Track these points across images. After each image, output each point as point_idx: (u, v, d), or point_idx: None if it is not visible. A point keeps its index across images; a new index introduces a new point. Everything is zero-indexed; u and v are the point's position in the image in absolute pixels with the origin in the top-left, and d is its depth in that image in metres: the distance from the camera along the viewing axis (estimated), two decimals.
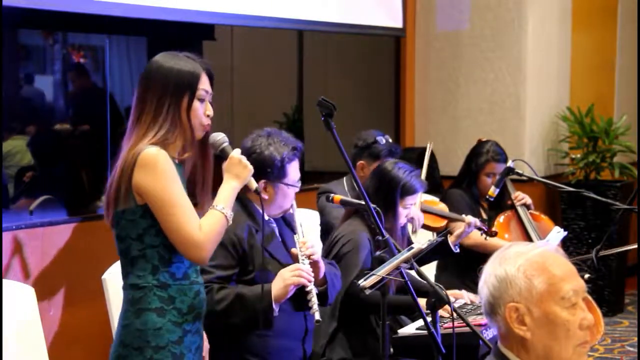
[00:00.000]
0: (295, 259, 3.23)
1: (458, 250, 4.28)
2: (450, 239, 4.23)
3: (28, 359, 3.28)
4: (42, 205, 4.58)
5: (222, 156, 2.89)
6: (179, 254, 2.70)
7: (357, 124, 4.88)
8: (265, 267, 3.27)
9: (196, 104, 2.72)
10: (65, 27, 4.89)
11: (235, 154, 2.86)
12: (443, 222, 4.66)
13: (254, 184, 2.92)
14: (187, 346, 2.73)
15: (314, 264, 3.24)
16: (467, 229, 4.33)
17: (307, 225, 4.68)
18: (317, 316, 3.13)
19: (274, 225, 3.41)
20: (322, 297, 3.33)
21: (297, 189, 3.40)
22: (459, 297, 4.00)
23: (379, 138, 4.64)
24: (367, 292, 2.82)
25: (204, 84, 2.76)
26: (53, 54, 5.02)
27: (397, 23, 6.67)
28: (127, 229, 2.69)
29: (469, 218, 4.35)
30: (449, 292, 4.01)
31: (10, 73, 4.54)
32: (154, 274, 2.68)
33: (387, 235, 2.96)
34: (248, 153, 3.21)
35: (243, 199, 3.30)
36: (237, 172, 2.83)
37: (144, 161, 2.63)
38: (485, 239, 4.66)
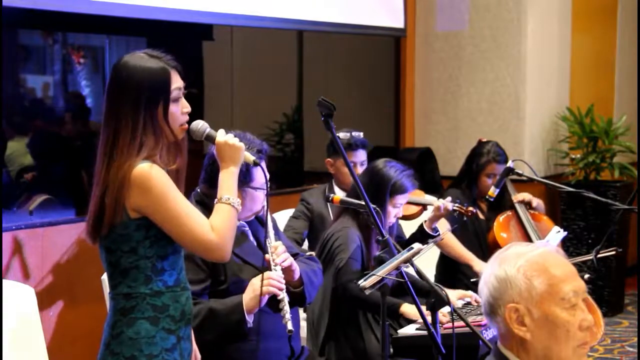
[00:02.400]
0: (268, 264, 3.18)
1: (439, 234, 4.22)
2: (425, 225, 4.20)
3: (28, 359, 3.28)
4: (42, 205, 4.58)
5: (209, 142, 2.83)
6: (172, 263, 2.66)
7: (357, 124, 4.88)
8: (239, 274, 3.22)
9: (172, 107, 2.63)
10: (65, 27, 4.90)
11: (220, 137, 2.79)
12: (417, 209, 4.65)
13: (251, 158, 2.87)
14: (180, 353, 2.69)
15: (287, 268, 3.20)
16: (439, 213, 4.28)
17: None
18: (290, 326, 3.08)
19: (246, 228, 3.36)
20: (300, 298, 3.31)
21: (265, 191, 3.26)
22: (467, 296, 4.00)
23: (341, 135, 4.65)
24: (367, 292, 2.82)
25: (175, 82, 2.65)
26: (53, 54, 5.03)
27: (398, 23, 6.68)
28: (118, 242, 2.62)
29: (439, 202, 4.29)
30: (459, 292, 4.04)
31: (10, 73, 4.54)
32: (147, 284, 2.63)
33: (387, 236, 2.96)
34: (212, 160, 3.15)
35: (210, 206, 3.05)
36: (230, 155, 2.76)
37: (138, 180, 2.55)
38: (465, 219, 4.65)
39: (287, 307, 3.11)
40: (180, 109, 2.66)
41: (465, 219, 4.60)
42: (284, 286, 3.13)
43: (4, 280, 3.25)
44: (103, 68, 5.12)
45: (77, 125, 5.11)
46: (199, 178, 3.33)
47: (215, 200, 2.73)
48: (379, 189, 3.82)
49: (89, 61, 5.19)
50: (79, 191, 4.92)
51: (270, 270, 3.14)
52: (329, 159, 4.74)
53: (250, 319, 3.11)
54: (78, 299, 4.41)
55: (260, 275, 3.12)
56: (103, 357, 2.67)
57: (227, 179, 2.76)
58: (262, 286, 3.06)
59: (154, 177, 2.56)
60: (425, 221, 4.23)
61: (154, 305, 2.63)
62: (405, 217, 4.67)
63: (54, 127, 4.96)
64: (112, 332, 2.65)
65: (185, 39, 5.45)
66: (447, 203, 4.25)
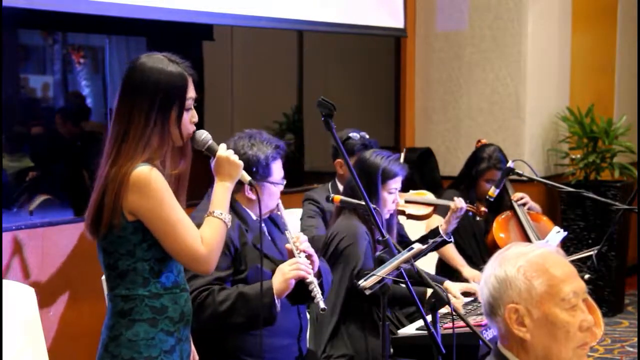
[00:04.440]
0: (290, 254, 3.23)
1: (452, 239, 4.25)
2: (442, 228, 4.22)
3: (28, 359, 3.28)
4: (42, 205, 4.58)
5: (208, 154, 2.85)
6: (169, 265, 2.67)
7: (357, 124, 4.88)
8: (258, 264, 3.25)
9: (184, 115, 2.65)
10: (65, 27, 4.89)
11: (222, 151, 2.79)
12: (429, 210, 4.67)
13: (247, 177, 2.88)
14: (180, 355, 2.70)
15: (309, 258, 3.24)
16: (457, 213, 4.31)
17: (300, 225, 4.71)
18: (322, 304, 3.13)
19: (262, 225, 3.39)
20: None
21: (282, 187, 3.38)
22: (471, 289, 4.00)
23: (352, 134, 4.66)
24: (368, 292, 2.82)
25: (191, 91, 2.67)
26: (53, 54, 5.03)
27: (398, 23, 6.67)
28: (115, 243, 2.62)
29: (455, 202, 4.32)
30: (462, 285, 4.04)
31: (10, 73, 4.54)
32: (145, 286, 2.63)
33: (387, 236, 2.96)
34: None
35: (230, 200, 3.26)
36: (228, 171, 2.77)
37: (137, 182, 2.55)
38: (476, 219, 4.69)
39: (317, 288, 3.15)
40: (189, 118, 2.68)
41: (478, 218, 4.64)
42: (311, 270, 3.18)
43: (4, 280, 3.25)
44: (103, 68, 5.12)
45: (77, 125, 5.11)
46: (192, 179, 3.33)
47: (207, 213, 2.73)
48: (370, 178, 3.84)
49: (89, 61, 5.19)
50: (79, 191, 4.92)
51: (295, 257, 3.20)
52: (339, 160, 4.72)
53: (278, 303, 3.14)
54: (78, 299, 4.41)
55: (288, 261, 3.18)
56: (102, 359, 2.66)
57: (222, 193, 2.76)
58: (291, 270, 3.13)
59: (153, 181, 2.56)
60: (441, 225, 4.24)
61: (152, 307, 2.63)
62: (417, 218, 4.69)
63: (54, 127, 4.96)
64: (110, 334, 2.65)
65: (185, 39, 5.45)
66: (462, 202, 4.29)
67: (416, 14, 7.09)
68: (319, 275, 3.32)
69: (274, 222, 3.48)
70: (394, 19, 6.62)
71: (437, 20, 7.06)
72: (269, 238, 3.41)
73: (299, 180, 6.47)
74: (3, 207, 4.25)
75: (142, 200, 2.56)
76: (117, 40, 5.21)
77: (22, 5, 4.09)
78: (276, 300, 3.13)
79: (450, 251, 4.81)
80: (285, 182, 3.40)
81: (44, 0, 4.22)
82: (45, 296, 4.22)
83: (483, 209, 4.62)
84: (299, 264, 3.16)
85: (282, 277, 3.14)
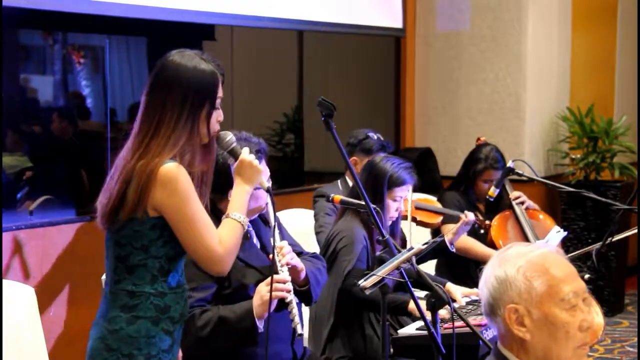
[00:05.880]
0: (273, 265, 3.12)
1: (454, 250, 4.27)
2: (447, 237, 4.22)
3: (28, 359, 3.28)
4: (42, 205, 4.58)
5: (230, 156, 2.87)
6: (178, 264, 2.68)
7: (357, 124, 4.88)
8: (242, 279, 3.19)
9: (212, 113, 2.68)
10: (65, 27, 4.90)
11: (245, 155, 2.82)
12: (438, 219, 4.68)
13: (265, 184, 2.89)
14: (175, 353, 2.72)
15: (293, 268, 3.18)
16: (464, 226, 4.31)
17: (302, 226, 4.68)
18: (299, 329, 3.08)
19: (250, 228, 3.30)
20: (307, 297, 3.30)
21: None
22: (473, 294, 4.00)
23: (370, 134, 4.67)
24: (367, 292, 2.82)
25: (221, 91, 2.70)
26: (53, 54, 5.03)
27: (397, 23, 6.68)
28: (131, 237, 2.62)
29: (467, 215, 4.33)
30: (464, 289, 4.04)
31: (10, 73, 4.54)
32: (152, 283, 2.64)
33: (387, 235, 2.95)
34: (221, 168, 3.11)
35: (215, 210, 3.08)
36: (249, 175, 2.80)
37: (165, 178, 2.56)
38: (480, 231, 4.70)
39: (295, 310, 3.10)
40: (216, 117, 2.70)
41: (482, 231, 4.66)
42: (291, 288, 3.11)
43: (4, 280, 3.24)
44: (103, 68, 5.13)
45: (77, 125, 5.11)
46: None
47: (224, 215, 2.75)
48: (377, 183, 3.82)
49: (89, 61, 5.19)
50: (79, 191, 4.92)
51: (276, 271, 3.10)
52: (353, 157, 4.71)
53: (260, 324, 3.09)
54: (78, 299, 4.41)
55: (266, 280, 3.10)
56: (97, 351, 2.66)
57: (241, 197, 2.78)
58: (270, 291, 3.01)
59: (180, 178, 2.58)
60: (447, 234, 4.24)
61: (156, 305, 2.64)
62: (426, 225, 4.70)
63: (54, 126, 4.96)
64: (109, 326, 2.65)
65: (185, 39, 5.45)
66: (472, 216, 4.31)
67: (416, 14, 7.09)
68: (306, 281, 3.27)
69: (264, 220, 3.38)
70: (393, 19, 6.63)
71: (437, 20, 7.06)
72: (257, 244, 3.32)
73: (299, 180, 6.48)
74: (3, 207, 4.25)
75: (168, 197, 2.57)
76: (117, 40, 5.22)
77: (23, 5, 4.09)
78: (257, 322, 3.07)
79: (479, 248, 4.78)
80: (270, 182, 3.30)
81: (44, 0, 4.23)
82: (45, 296, 4.22)
83: (487, 222, 4.65)
84: (276, 285, 3.04)
85: (261, 300, 3.07)
